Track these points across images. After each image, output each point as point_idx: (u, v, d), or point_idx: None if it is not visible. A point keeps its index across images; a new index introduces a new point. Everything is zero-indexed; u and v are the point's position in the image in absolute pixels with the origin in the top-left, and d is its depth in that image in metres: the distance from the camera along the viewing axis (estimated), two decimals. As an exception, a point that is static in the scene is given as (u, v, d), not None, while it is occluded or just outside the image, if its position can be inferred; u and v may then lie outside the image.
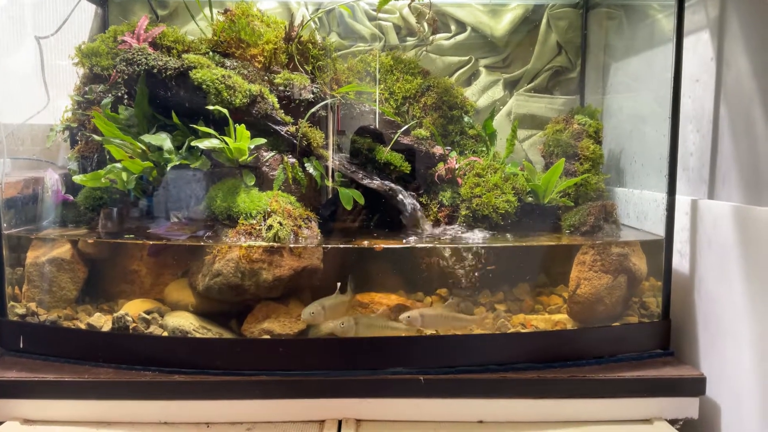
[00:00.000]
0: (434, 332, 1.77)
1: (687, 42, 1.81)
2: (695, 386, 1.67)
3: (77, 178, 1.87)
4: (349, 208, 1.89)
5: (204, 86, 1.81)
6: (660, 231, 1.82)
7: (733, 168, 1.70)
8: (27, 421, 1.61)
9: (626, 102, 2.32)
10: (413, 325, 1.73)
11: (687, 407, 1.67)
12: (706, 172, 1.82)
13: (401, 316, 1.73)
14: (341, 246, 1.82)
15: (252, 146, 1.84)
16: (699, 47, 1.85)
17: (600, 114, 2.31)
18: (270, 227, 1.72)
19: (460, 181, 2.06)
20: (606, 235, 1.89)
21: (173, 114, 1.87)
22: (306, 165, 1.93)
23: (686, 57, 1.77)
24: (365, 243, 1.80)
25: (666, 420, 1.66)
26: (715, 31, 1.78)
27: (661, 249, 1.81)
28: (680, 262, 1.88)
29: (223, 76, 1.84)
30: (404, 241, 1.84)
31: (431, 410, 1.65)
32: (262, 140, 1.86)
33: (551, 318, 1.87)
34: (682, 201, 1.85)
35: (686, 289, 1.85)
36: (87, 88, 2.04)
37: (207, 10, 2.12)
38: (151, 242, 1.86)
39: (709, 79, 1.81)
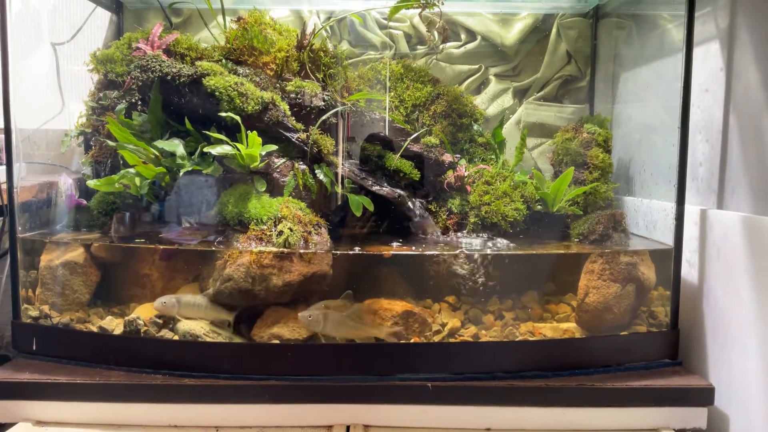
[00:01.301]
0: (446, 340, 1.79)
1: (697, 52, 1.82)
2: (703, 396, 1.66)
3: (91, 183, 1.89)
4: (358, 214, 1.90)
5: (217, 93, 1.84)
6: (669, 240, 1.82)
7: (742, 178, 1.70)
8: (39, 423, 1.63)
9: (635, 111, 2.33)
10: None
11: (695, 417, 1.67)
12: (715, 182, 1.82)
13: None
14: (350, 252, 1.83)
15: (263, 153, 1.86)
16: (709, 57, 1.86)
17: (609, 123, 2.31)
18: (280, 233, 1.73)
19: (469, 188, 2.07)
20: (615, 244, 1.90)
21: (186, 120, 1.89)
22: (316, 171, 1.94)
23: (696, 67, 1.77)
24: (355, 248, 1.81)
25: (674, 430, 1.65)
26: (725, 42, 1.79)
27: (669, 258, 1.80)
28: (689, 271, 1.88)
29: (236, 83, 1.86)
30: (413, 248, 1.85)
31: (439, 417, 1.65)
32: (274, 147, 1.88)
33: (559, 326, 1.87)
34: (691, 211, 1.85)
35: (695, 298, 1.85)
36: (101, 94, 2.07)
37: (220, 18, 2.15)
38: (162, 247, 1.88)
39: (718, 89, 1.81)
